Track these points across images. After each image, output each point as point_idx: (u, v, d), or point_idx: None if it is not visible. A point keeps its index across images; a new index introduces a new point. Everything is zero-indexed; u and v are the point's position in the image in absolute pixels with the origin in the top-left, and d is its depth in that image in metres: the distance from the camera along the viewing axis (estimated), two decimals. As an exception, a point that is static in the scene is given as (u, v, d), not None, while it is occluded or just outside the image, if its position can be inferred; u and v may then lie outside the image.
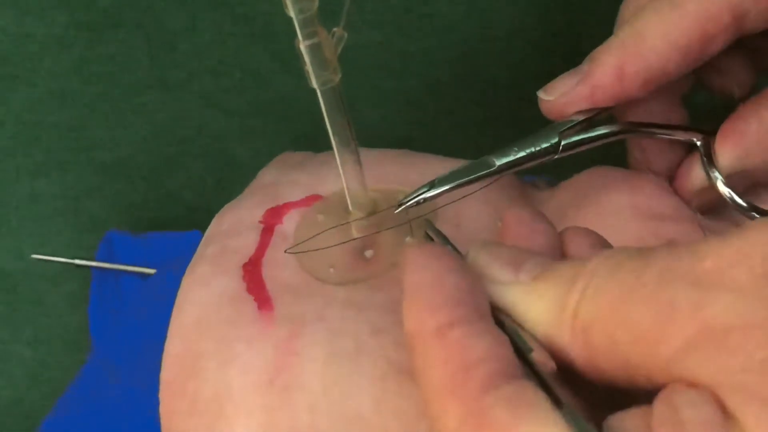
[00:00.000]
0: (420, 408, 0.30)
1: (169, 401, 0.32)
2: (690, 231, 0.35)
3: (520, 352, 0.23)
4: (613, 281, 0.22)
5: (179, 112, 0.55)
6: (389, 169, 0.39)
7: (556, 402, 0.21)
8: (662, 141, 0.38)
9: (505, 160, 0.34)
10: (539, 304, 0.24)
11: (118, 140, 0.56)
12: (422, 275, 0.24)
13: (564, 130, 0.35)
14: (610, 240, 0.35)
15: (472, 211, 0.37)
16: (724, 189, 0.36)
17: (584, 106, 0.35)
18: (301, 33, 0.28)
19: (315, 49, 0.29)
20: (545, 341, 0.24)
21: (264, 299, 0.33)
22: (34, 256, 0.56)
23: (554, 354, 0.24)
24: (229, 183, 0.41)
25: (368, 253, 0.35)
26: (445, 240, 0.31)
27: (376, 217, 0.35)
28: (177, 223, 0.56)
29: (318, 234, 0.35)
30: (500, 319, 0.25)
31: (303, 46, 0.29)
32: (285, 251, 0.35)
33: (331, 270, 0.34)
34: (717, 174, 0.36)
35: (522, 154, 0.35)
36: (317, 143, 0.45)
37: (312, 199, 0.38)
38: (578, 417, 0.21)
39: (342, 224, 0.35)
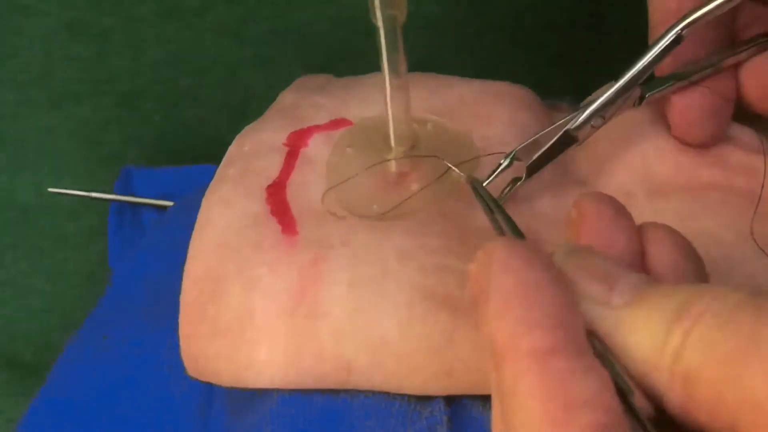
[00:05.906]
0: (447, 334, 0.29)
1: (189, 324, 0.32)
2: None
3: (619, 390, 0.21)
4: (724, 333, 0.20)
5: (194, 42, 0.54)
6: (414, 93, 0.38)
7: None
8: None
9: (584, 129, 0.34)
10: (635, 336, 0.22)
11: (133, 72, 0.55)
12: (515, 281, 0.22)
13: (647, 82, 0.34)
14: (657, 174, 0.35)
15: (497, 132, 0.36)
16: None
17: None
18: None
19: None
20: (638, 376, 0.22)
21: (288, 222, 0.32)
22: (51, 189, 0.55)
23: (647, 392, 0.22)
24: (246, 114, 0.40)
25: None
26: (498, 207, 0.29)
27: (414, 150, 0.34)
28: (194, 155, 0.55)
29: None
30: (591, 341, 0.22)
31: None
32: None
33: (375, 206, 0.33)
34: None
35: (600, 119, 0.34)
36: (334, 72, 0.44)
37: (337, 123, 0.37)
38: None
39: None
